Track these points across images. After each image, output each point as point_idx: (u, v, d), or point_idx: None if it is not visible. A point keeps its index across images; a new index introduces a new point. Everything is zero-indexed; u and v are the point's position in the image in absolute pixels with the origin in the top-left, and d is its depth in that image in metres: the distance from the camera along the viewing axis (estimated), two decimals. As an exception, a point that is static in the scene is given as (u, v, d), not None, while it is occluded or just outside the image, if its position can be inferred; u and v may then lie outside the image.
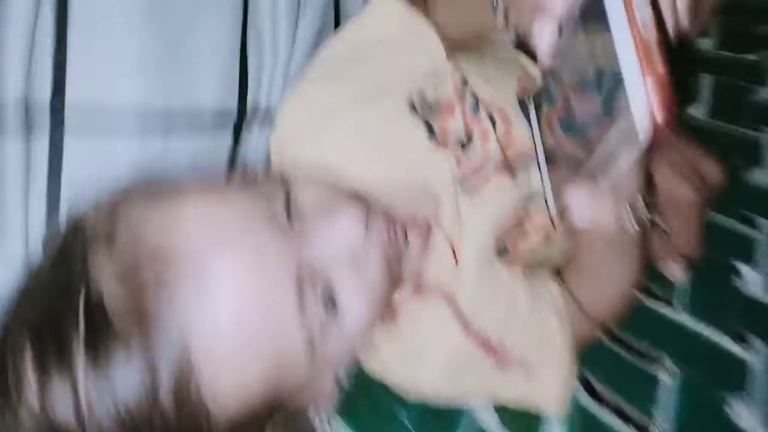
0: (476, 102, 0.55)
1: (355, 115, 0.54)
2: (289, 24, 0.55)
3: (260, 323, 0.40)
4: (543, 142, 0.45)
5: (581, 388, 0.56)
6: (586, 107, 0.37)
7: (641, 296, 0.61)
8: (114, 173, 0.46)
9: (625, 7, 0.32)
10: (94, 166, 0.46)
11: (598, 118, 0.35)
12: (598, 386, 0.56)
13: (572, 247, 0.55)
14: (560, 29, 0.38)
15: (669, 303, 0.61)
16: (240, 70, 0.52)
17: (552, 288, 0.55)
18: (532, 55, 0.61)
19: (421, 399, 0.53)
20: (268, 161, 0.56)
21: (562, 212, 0.42)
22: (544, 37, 0.38)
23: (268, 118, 0.55)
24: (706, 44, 0.89)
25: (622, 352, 0.59)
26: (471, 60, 0.57)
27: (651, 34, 0.32)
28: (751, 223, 0.67)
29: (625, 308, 0.58)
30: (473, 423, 0.54)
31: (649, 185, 0.47)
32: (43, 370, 0.37)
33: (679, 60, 0.32)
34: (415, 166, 0.53)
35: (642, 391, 0.55)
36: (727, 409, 0.53)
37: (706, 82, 0.83)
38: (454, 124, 0.55)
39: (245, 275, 0.39)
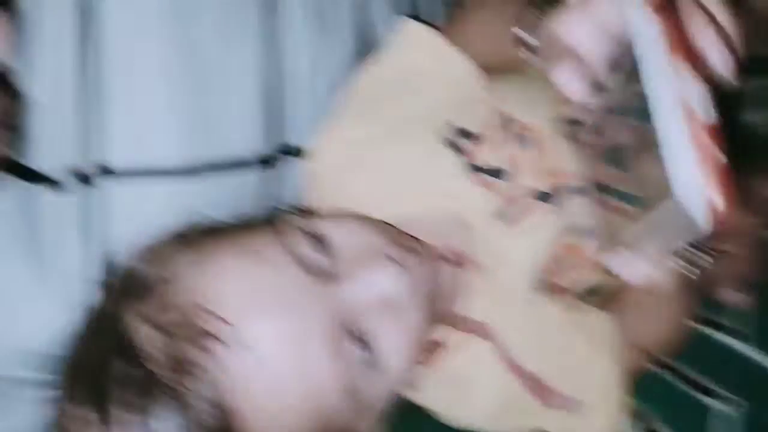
0: (513, 129, 0.53)
1: (387, 150, 0.53)
2: (316, 57, 0.54)
3: (297, 377, 0.40)
4: (583, 170, 0.43)
5: (632, 419, 0.54)
6: (625, 134, 0.35)
7: (699, 325, 0.58)
8: (155, 215, 0.47)
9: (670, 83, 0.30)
10: (134, 208, 0.47)
11: (638, 147, 0.33)
12: (650, 417, 0.54)
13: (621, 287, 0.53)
14: (593, 77, 0.36)
15: (730, 332, 0.58)
16: (271, 108, 0.52)
17: (601, 321, 0.53)
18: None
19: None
20: (301, 198, 0.56)
21: (607, 252, 0.40)
22: (574, 86, 0.36)
23: (300, 154, 0.55)
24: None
25: (677, 383, 0.56)
26: (507, 85, 0.55)
27: (704, 116, 0.29)
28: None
29: (681, 339, 0.55)
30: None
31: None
32: (86, 417, 0.39)
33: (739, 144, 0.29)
34: (449, 200, 0.52)
35: (696, 423, 0.53)
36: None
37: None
38: (489, 154, 0.53)
39: (281, 331, 0.40)
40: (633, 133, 0.34)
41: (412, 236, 0.50)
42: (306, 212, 0.54)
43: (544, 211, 0.52)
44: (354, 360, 0.42)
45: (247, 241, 0.44)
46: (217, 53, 0.49)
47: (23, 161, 0.44)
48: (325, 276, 0.43)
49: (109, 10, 0.45)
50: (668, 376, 0.56)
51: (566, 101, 0.41)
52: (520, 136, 0.53)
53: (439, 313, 0.49)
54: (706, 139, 0.29)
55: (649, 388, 0.55)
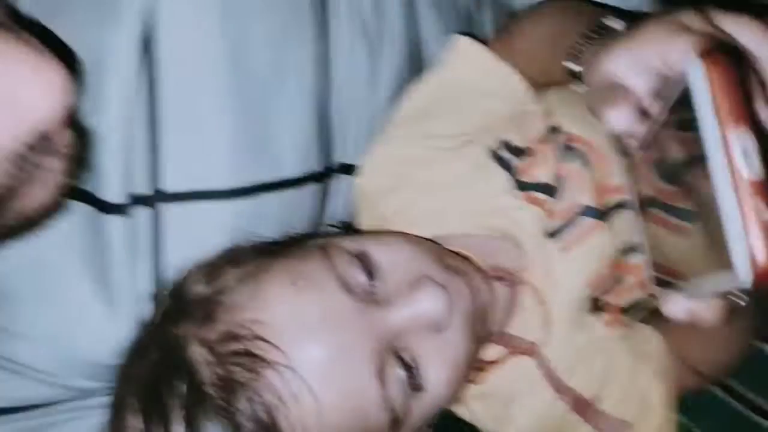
0: (567, 144, 0.52)
1: (436, 167, 0.53)
2: (368, 76, 0.54)
3: (341, 398, 0.41)
4: (633, 184, 0.43)
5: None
6: (682, 148, 0.35)
7: (758, 343, 0.57)
8: (210, 234, 0.49)
9: (723, 140, 0.29)
10: (191, 229, 0.49)
11: (695, 161, 0.33)
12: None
13: None
14: (640, 109, 0.36)
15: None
16: (323, 130, 0.53)
17: (649, 337, 0.53)
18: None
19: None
20: (352, 216, 0.57)
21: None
22: (621, 125, 0.36)
23: (352, 171, 0.55)
24: None
25: (731, 402, 0.55)
26: (562, 97, 0.54)
27: (758, 171, 0.29)
28: None
29: (736, 357, 0.54)
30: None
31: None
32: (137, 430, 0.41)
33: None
34: (499, 217, 0.52)
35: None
36: None
37: None
38: (539, 170, 0.52)
39: (326, 354, 0.41)
40: (685, 146, 0.34)
41: (460, 255, 0.50)
42: (355, 231, 0.55)
43: (594, 229, 0.51)
44: (398, 381, 0.42)
45: (295, 262, 0.45)
46: (272, 76, 0.49)
47: (85, 187, 0.46)
48: (370, 299, 0.43)
49: (166, 37, 0.45)
50: (721, 395, 0.55)
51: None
52: (570, 149, 0.52)
53: (488, 331, 0.49)
54: (752, 194, 0.29)
55: (700, 406, 0.54)
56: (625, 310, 0.53)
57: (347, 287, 0.43)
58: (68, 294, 0.46)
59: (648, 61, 0.35)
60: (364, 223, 0.56)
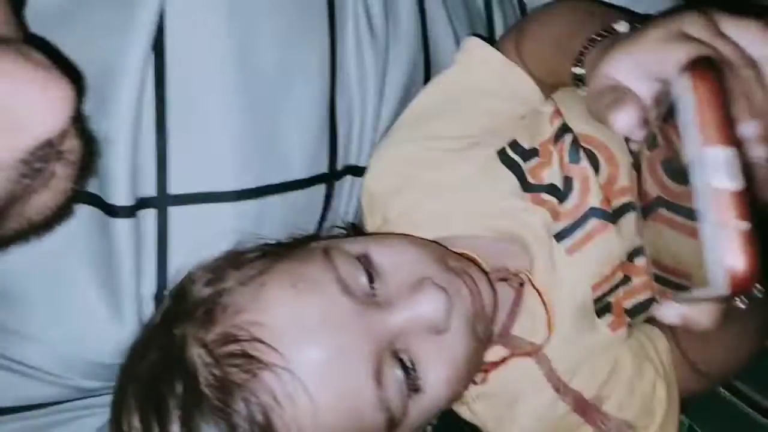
0: (577, 145, 0.52)
1: (443, 169, 0.53)
2: (377, 77, 0.54)
3: (339, 399, 0.41)
4: (640, 184, 0.43)
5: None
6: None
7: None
8: (214, 237, 0.49)
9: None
10: (196, 231, 0.49)
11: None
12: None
13: None
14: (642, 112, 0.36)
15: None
16: (330, 131, 0.52)
17: (653, 338, 0.52)
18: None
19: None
20: (358, 217, 0.57)
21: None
22: (625, 126, 0.36)
23: (359, 173, 0.55)
24: None
25: (738, 404, 0.55)
26: (572, 97, 0.54)
27: (735, 182, 0.29)
28: None
29: (743, 359, 0.54)
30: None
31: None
32: (136, 428, 0.42)
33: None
34: (506, 219, 0.51)
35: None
36: None
37: None
38: (550, 172, 0.52)
39: (325, 356, 0.41)
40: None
41: (465, 256, 0.50)
42: (359, 232, 0.56)
43: (601, 230, 0.51)
44: (395, 382, 0.43)
45: (296, 265, 0.45)
46: (280, 76, 0.49)
47: (93, 190, 0.46)
48: (370, 301, 0.44)
49: (173, 35, 0.46)
50: (728, 397, 0.55)
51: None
52: (580, 149, 0.52)
53: (490, 333, 0.49)
54: (729, 206, 0.30)
55: (705, 408, 0.54)
56: (630, 312, 0.53)
57: (347, 289, 0.43)
58: (76, 296, 0.47)
59: (647, 66, 0.36)
60: (370, 224, 0.56)
